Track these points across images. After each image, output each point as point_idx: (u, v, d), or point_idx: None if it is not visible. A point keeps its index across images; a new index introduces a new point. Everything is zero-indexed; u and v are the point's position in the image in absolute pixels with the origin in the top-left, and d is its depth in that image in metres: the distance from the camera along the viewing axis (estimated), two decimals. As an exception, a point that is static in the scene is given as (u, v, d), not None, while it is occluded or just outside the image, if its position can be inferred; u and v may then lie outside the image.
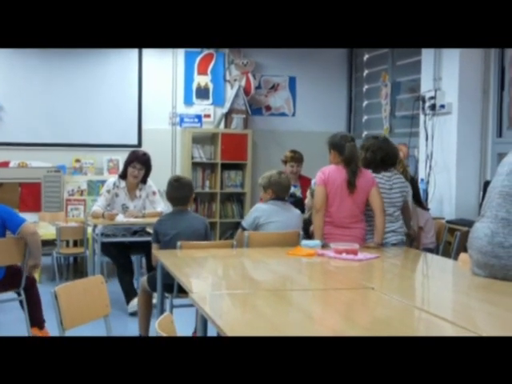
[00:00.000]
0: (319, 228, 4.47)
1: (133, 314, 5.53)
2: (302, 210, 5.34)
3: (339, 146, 4.50)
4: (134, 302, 5.55)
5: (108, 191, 6.04)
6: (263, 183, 4.93)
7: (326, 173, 4.49)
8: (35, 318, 4.70)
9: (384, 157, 4.68)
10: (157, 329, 2.39)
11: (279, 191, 4.88)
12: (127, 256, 5.98)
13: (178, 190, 4.71)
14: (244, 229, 4.78)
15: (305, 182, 6.37)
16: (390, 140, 4.92)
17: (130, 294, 5.72)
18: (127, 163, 6.05)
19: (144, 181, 6.12)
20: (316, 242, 4.32)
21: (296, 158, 6.45)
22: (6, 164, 7.95)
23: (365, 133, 8.92)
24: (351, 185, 4.43)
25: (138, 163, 6.00)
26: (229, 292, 3.23)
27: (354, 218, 4.51)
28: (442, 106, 6.42)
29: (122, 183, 6.06)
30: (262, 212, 4.81)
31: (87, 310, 3.05)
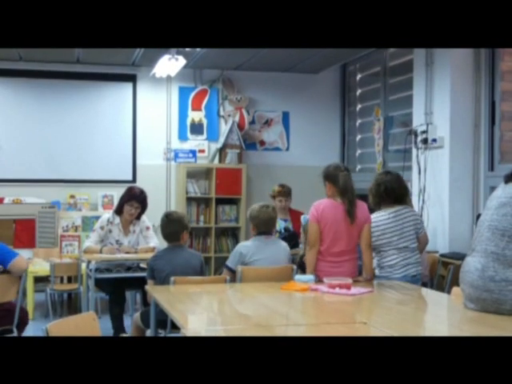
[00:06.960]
0: (311, 264, 4.44)
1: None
2: (296, 244, 5.33)
3: (333, 177, 4.47)
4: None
5: (102, 227, 6.01)
6: (248, 217, 4.92)
7: (319, 209, 4.44)
8: None
9: (386, 189, 4.76)
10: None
11: (260, 225, 4.80)
12: (122, 291, 5.93)
13: (168, 226, 4.73)
14: (230, 269, 4.67)
15: (295, 216, 6.37)
16: (401, 178, 4.96)
17: (118, 330, 5.66)
18: (124, 201, 6.00)
19: (138, 217, 6.11)
20: (309, 276, 4.32)
21: (283, 192, 6.44)
22: (0, 200, 7.97)
23: (358, 167, 8.97)
24: (351, 215, 4.39)
25: (136, 202, 5.96)
26: (222, 328, 3.22)
27: (347, 253, 4.47)
28: (434, 140, 6.46)
29: (117, 219, 6.03)
30: (247, 249, 4.72)
31: (79, 347, 3.03)
